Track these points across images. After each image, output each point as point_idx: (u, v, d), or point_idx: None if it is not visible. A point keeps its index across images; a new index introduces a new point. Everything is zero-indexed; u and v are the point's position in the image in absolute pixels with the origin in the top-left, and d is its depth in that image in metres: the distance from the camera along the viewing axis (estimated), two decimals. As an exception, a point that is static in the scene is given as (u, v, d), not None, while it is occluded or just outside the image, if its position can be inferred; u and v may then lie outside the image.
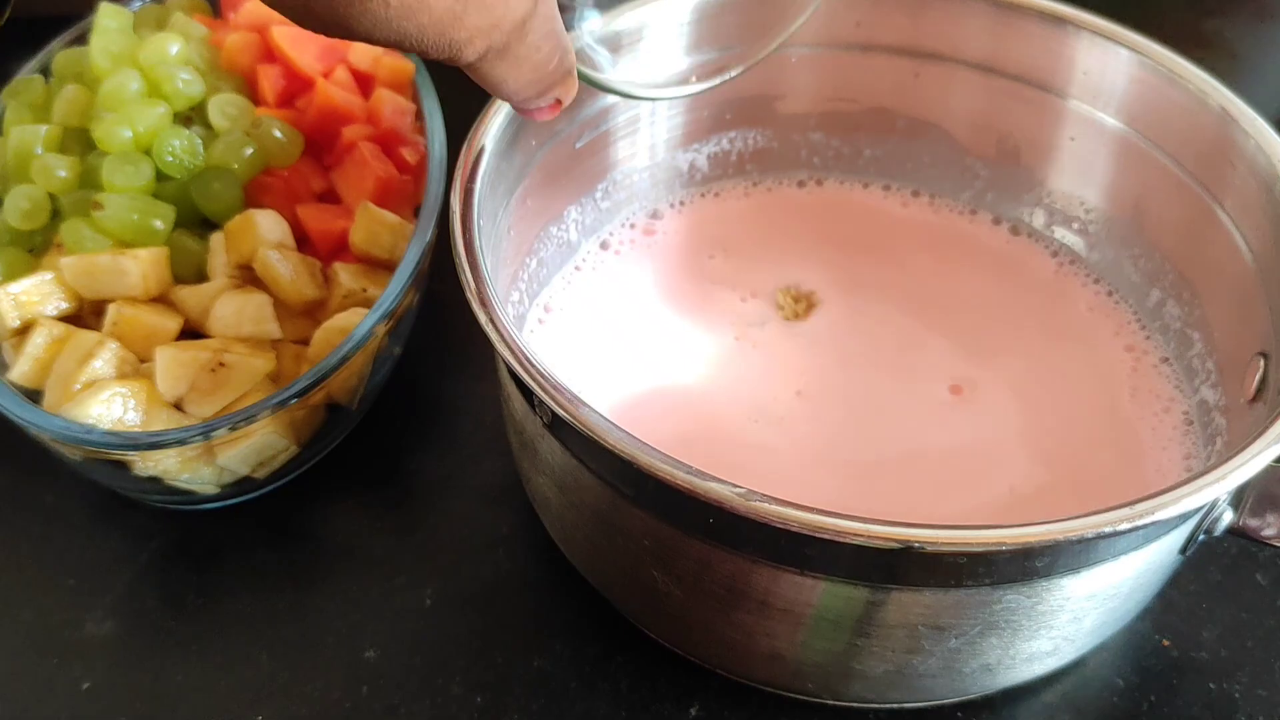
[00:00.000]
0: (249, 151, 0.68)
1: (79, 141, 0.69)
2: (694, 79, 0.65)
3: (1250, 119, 0.59)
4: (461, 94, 0.60)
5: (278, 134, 0.69)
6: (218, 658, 0.61)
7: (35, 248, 0.67)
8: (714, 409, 0.64)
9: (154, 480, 0.62)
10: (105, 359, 0.61)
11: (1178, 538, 0.52)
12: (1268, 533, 0.53)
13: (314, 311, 0.66)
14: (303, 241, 0.68)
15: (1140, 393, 0.65)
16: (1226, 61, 0.64)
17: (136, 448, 0.59)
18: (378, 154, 0.69)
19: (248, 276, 0.66)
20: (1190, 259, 0.65)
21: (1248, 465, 0.47)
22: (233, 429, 0.60)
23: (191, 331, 0.65)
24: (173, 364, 0.61)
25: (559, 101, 0.52)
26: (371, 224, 0.66)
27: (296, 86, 0.72)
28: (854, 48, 0.70)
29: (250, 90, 0.72)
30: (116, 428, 0.60)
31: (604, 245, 0.71)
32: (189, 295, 0.65)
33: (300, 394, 0.60)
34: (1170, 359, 0.66)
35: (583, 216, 0.70)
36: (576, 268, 0.70)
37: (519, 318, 0.65)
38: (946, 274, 0.71)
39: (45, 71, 0.74)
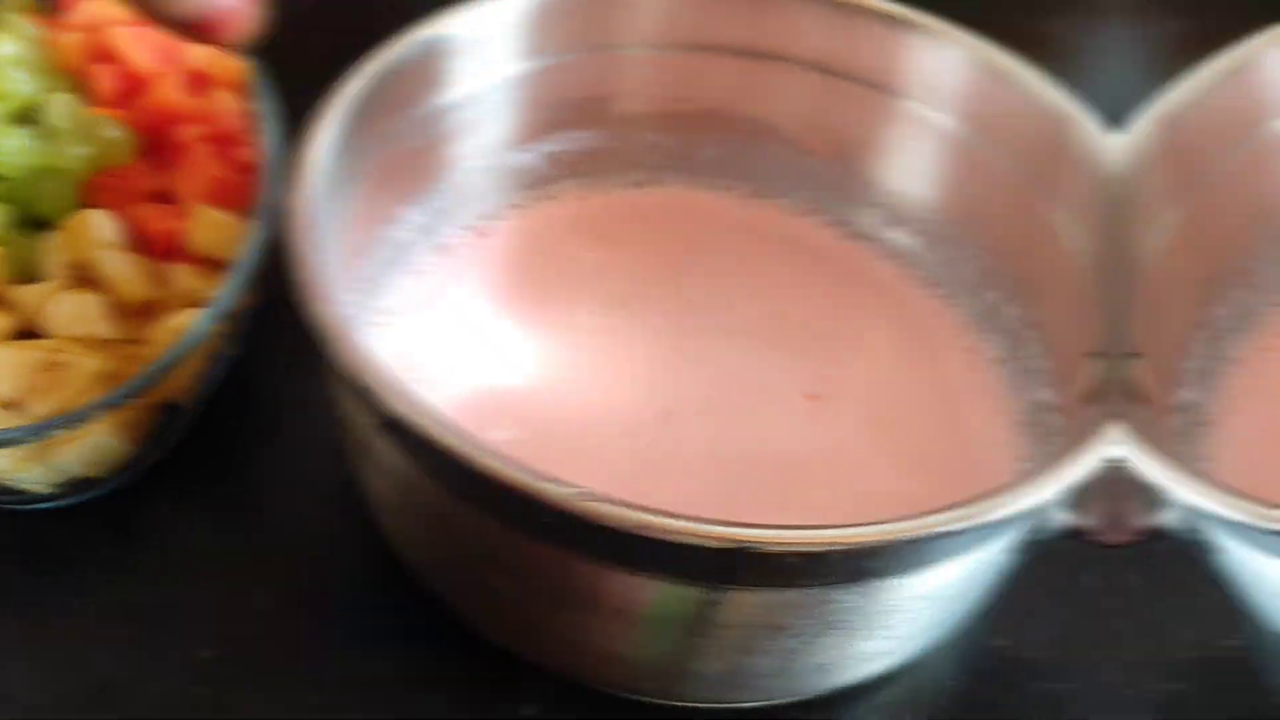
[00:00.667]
0: (84, 152, 0.67)
1: (-94, 142, 0.68)
2: None
3: (1082, 119, 0.61)
4: (302, 95, 0.60)
5: (113, 134, 0.68)
6: (50, 660, 0.61)
7: None
8: (556, 412, 0.64)
9: (-14, 481, 0.62)
10: (-67, 359, 0.61)
11: (1010, 539, 0.53)
12: (1099, 533, 0.54)
13: (150, 311, 0.66)
14: (139, 242, 0.68)
15: (978, 394, 0.66)
16: (1061, 62, 0.66)
17: (-40, 448, 0.58)
18: (214, 154, 0.68)
19: (82, 276, 0.65)
20: (1025, 259, 0.66)
21: (1080, 465, 0.48)
22: (65, 429, 0.59)
23: (30, 332, 0.64)
24: (3, 364, 0.61)
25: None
26: (208, 224, 0.66)
27: (132, 86, 0.71)
28: (690, 48, 0.70)
29: (86, 90, 0.71)
30: (-57, 428, 0.59)
31: (441, 247, 0.70)
32: (24, 295, 0.64)
33: (134, 394, 0.60)
34: (1007, 359, 0.67)
35: (419, 218, 0.69)
36: (413, 270, 0.69)
37: (355, 319, 0.65)
38: (788, 277, 0.71)
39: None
